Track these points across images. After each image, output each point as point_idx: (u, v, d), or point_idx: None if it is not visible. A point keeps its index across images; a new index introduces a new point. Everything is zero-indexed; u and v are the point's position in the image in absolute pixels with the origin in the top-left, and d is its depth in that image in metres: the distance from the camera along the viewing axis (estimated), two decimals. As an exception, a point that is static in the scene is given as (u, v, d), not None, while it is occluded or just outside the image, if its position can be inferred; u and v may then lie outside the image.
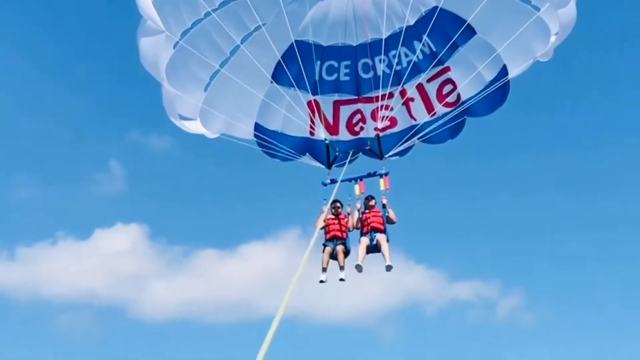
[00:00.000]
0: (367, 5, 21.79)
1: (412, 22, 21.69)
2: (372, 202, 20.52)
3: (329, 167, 21.08)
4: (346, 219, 20.52)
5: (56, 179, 64.61)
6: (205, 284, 55.79)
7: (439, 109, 21.82)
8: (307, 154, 22.11)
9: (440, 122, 21.61)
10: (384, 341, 54.43)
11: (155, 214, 60.88)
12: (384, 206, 20.52)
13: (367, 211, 20.41)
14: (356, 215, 20.48)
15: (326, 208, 20.13)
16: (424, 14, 21.57)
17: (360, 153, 21.73)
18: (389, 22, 21.85)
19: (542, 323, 53.96)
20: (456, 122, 21.70)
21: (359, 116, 22.64)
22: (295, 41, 21.69)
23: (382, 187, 20.70)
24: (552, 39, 20.07)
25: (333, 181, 20.56)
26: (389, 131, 22.03)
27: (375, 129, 21.17)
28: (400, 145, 21.15)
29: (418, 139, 21.64)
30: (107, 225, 60.75)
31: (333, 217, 20.40)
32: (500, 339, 54.21)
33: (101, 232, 59.76)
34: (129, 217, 60.30)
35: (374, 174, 20.77)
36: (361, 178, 20.92)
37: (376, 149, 21.16)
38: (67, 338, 54.61)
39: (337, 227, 20.29)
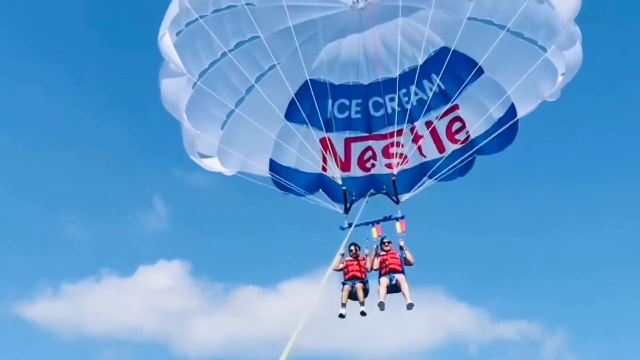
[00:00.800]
0: (377, 46, 22.46)
1: (421, 62, 22.33)
2: (389, 244, 21.03)
3: (346, 212, 21.62)
4: (364, 261, 20.98)
5: (101, 216, 65.76)
6: (246, 321, 56.53)
7: (449, 146, 22.40)
8: (320, 189, 22.66)
9: (450, 159, 22.14)
10: None
11: (197, 251, 62.16)
12: (401, 248, 21.03)
13: (384, 253, 20.93)
14: (373, 257, 20.99)
15: (342, 249, 20.57)
16: (432, 53, 22.27)
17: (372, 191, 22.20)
18: (399, 62, 22.48)
19: (586, 364, 53.32)
20: (466, 161, 22.23)
21: (370, 153, 23.27)
22: (309, 80, 22.43)
23: (399, 230, 21.27)
24: (559, 79, 20.69)
25: (350, 225, 21.12)
26: (400, 168, 22.61)
27: (392, 175, 21.79)
28: (414, 191, 21.64)
29: (429, 177, 22.13)
30: (150, 262, 62.00)
31: (352, 259, 20.92)
32: None
33: (144, 269, 61.07)
34: (172, 254, 61.86)
35: (390, 218, 21.34)
36: (378, 222, 21.44)
37: (392, 193, 21.68)
38: None
39: (356, 267, 20.80)
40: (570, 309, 58.04)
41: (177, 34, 21.17)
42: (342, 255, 20.78)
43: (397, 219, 21.31)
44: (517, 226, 63.61)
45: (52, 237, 63.67)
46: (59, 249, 62.99)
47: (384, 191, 21.67)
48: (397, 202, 21.52)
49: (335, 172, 22.38)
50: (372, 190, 21.90)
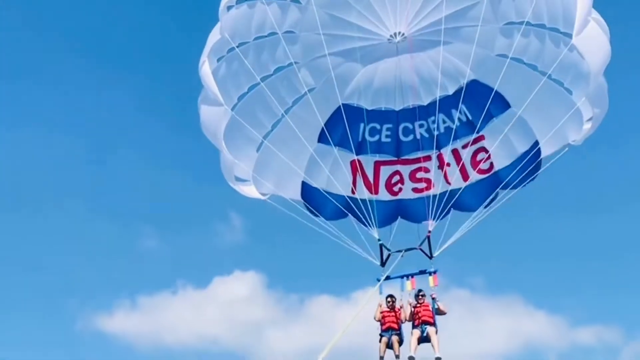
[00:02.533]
0: (410, 74, 23.36)
1: (451, 92, 23.37)
2: (423, 297, 22.10)
3: (382, 264, 22.59)
4: (400, 312, 22.12)
5: (177, 228, 67.01)
6: (321, 330, 56.67)
7: (473, 175, 23.42)
8: (350, 214, 23.75)
9: (475, 190, 23.17)
10: None
11: (272, 262, 62.41)
12: (433, 299, 22.04)
13: (418, 305, 22.02)
14: (408, 309, 22.08)
15: (382, 301, 22.08)
16: (462, 85, 23.16)
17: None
18: (429, 91, 23.52)
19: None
20: (488, 193, 23.25)
21: (397, 177, 24.29)
22: (342, 104, 23.48)
23: (431, 284, 22.24)
24: (586, 126, 21.77)
25: (387, 277, 22.39)
26: (425, 193, 23.72)
27: (428, 232, 22.75)
28: (446, 245, 22.50)
29: (454, 208, 23.16)
30: (226, 273, 62.90)
31: (388, 310, 22.11)
32: None
33: (219, 280, 61.93)
34: (247, 265, 61.99)
35: (424, 272, 22.35)
36: (412, 275, 22.46)
37: (426, 249, 22.59)
38: None
39: (393, 319, 21.98)
40: None
41: (218, 60, 22.33)
42: (380, 305, 22.18)
43: (430, 273, 22.31)
44: (593, 224, 63.50)
45: (129, 250, 65.03)
46: (135, 262, 63.97)
47: (419, 247, 22.61)
48: (431, 257, 22.44)
49: (364, 194, 23.54)
50: (405, 249, 22.81)
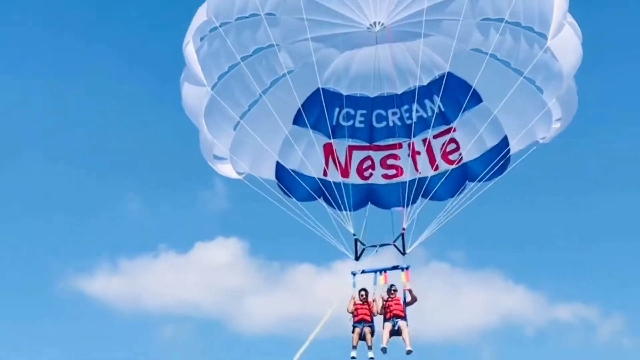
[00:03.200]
0: (387, 63, 23.86)
1: (425, 83, 23.90)
2: (395, 292, 22.79)
3: (356, 259, 23.22)
4: (372, 305, 22.78)
5: (161, 193, 66.51)
6: (301, 299, 57.54)
7: (442, 165, 24.09)
8: (321, 198, 24.30)
9: (442, 179, 23.85)
10: None
11: (255, 229, 62.16)
12: (409, 291, 22.76)
13: (389, 299, 22.70)
14: (380, 303, 22.75)
15: (355, 294, 22.77)
16: (437, 76, 23.71)
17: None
18: (404, 80, 24.02)
19: (641, 348, 54.43)
20: (457, 184, 23.96)
21: (369, 162, 24.83)
22: (319, 88, 23.90)
23: (403, 279, 22.97)
24: (556, 126, 22.60)
25: (362, 272, 23.09)
26: (395, 180, 24.38)
27: (402, 229, 23.38)
28: (418, 242, 23.24)
29: (422, 196, 23.84)
30: (208, 239, 62.72)
31: (361, 303, 22.73)
32: None
33: (201, 245, 61.95)
34: (230, 232, 62.14)
35: (397, 268, 23.04)
36: (385, 270, 23.15)
37: (400, 245, 23.26)
38: (168, 349, 57.31)
39: (365, 311, 22.60)
40: (628, 292, 58.94)
41: (201, 39, 22.64)
42: (353, 298, 22.84)
43: (402, 269, 23.00)
44: (576, 206, 64.37)
45: (111, 213, 64.88)
46: (118, 225, 64.00)
47: (393, 243, 23.25)
48: (404, 253, 23.12)
49: (336, 177, 24.11)
50: (380, 244, 23.42)
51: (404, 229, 23.34)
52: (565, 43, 21.28)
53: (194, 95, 22.74)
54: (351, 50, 23.68)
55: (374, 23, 22.63)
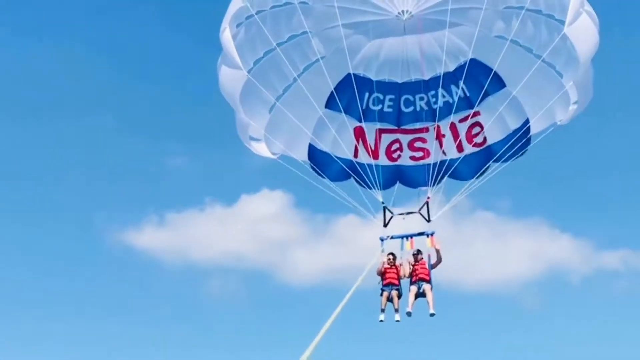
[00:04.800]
0: (415, 50, 25.05)
1: (451, 69, 25.10)
2: (420, 256, 24.09)
3: (385, 225, 24.48)
4: (400, 269, 24.06)
5: (206, 147, 67.77)
6: (346, 250, 56.72)
7: (467, 147, 25.22)
8: (353, 177, 25.55)
9: (468, 161, 24.99)
10: (528, 310, 56.24)
11: (301, 182, 63.17)
12: (437, 251, 23.93)
13: (415, 263, 23.99)
14: (407, 267, 24.05)
15: (384, 258, 24.03)
16: (462, 63, 24.89)
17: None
18: (431, 67, 25.24)
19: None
20: (481, 165, 25.09)
21: (397, 145, 26.04)
22: (349, 73, 25.17)
23: (429, 245, 24.13)
24: (572, 108, 23.60)
25: (390, 237, 24.34)
26: (422, 161, 25.58)
27: (427, 197, 24.67)
28: (442, 210, 24.52)
29: (449, 176, 25.03)
30: (253, 191, 63.35)
31: (389, 266, 24.00)
32: None
33: (247, 198, 62.71)
34: (275, 185, 61.33)
35: (423, 234, 24.23)
36: (412, 236, 24.34)
37: (425, 214, 24.49)
38: (216, 301, 58.29)
39: (393, 275, 23.90)
40: None
41: (237, 26, 24.01)
42: (383, 262, 24.06)
43: (427, 235, 24.17)
44: (620, 155, 63.51)
45: (158, 168, 66.24)
46: (163, 179, 65.32)
47: (418, 211, 24.51)
48: (429, 220, 24.32)
49: (365, 158, 25.35)
50: (407, 213, 24.64)
51: (428, 198, 24.59)
52: (583, 30, 22.29)
53: (231, 78, 24.07)
54: (380, 37, 24.92)
55: (402, 11, 23.75)
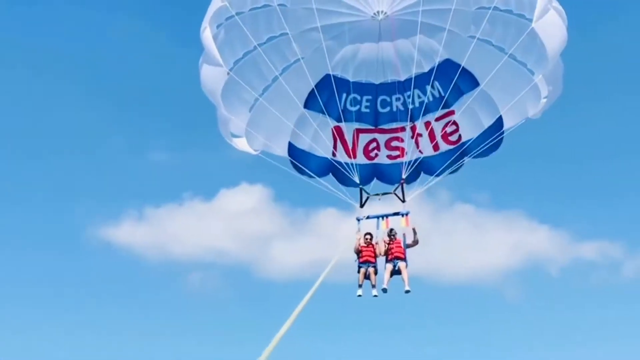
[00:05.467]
0: (390, 51, 25.71)
1: (426, 70, 25.72)
2: (394, 235, 24.84)
3: (361, 206, 25.33)
4: (376, 247, 24.78)
5: (187, 142, 68.14)
6: (326, 243, 56.90)
7: (442, 146, 25.89)
8: (330, 174, 26.16)
9: (443, 158, 25.68)
10: (508, 300, 57.34)
11: (280, 176, 62.40)
12: (414, 232, 24.72)
13: (390, 242, 24.74)
14: (382, 245, 24.79)
15: (359, 235, 24.79)
16: (437, 63, 25.49)
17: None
18: (406, 68, 25.80)
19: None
20: (457, 161, 25.77)
21: (374, 144, 26.68)
22: (327, 74, 25.71)
23: (403, 224, 24.89)
24: (542, 101, 24.31)
25: (367, 217, 25.13)
26: (398, 160, 26.18)
27: (401, 179, 25.45)
28: (417, 192, 25.48)
29: (424, 173, 25.80)
30: (233, 185, 63.64)
31: (365, 245, 24.72)
32: (624, 299, 55.58)
33: (226, 192, 62.90)
34: (255, 178, 61.68)
35: (398, 214, 25.01)
36: (387, 216, 25.09)
37: (400, 195, 25.37)
38: (196, 296, 58.16)
39: (370, 253, 24.63)
40: None
41: (217, 26, 24.60)
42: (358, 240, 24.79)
43: (402, 215, 24.92)
44: (597, 147, 64.94)
45: (139, 162, 66.48)
46: (144, 174, 65.39)
47: (393, 192, 25.34)
48: (404, 201, 25.14)
49: (343, 157, 25.93)
50: (382, 193, 25.48)
51: (402, 180, 25.34)
52: (551, 25, 23.11)
53: (212, 76, 24.66)
54: (357, 38, 25.51)
55: (378, 12, 24.43)
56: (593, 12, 67.42)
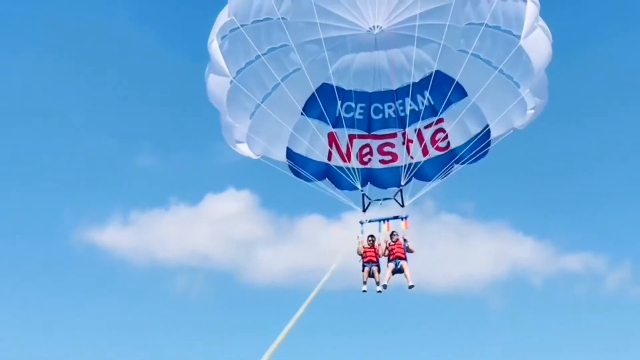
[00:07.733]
0: (384, 63, 27.29)
1: (417, 80, 27.29)
2: (396, 237, 26.51)
3: (364, 210, 27.03)
4: (378, 248, 26.53)
5: (173, 146, 68.62)
6: (311, 250, 58.01)
7: (432, 152, 27.51)
8: (327, 178, 27.70)
9: (433, 164, 27.29)
10: (492, 310, 58.03)
11: (266, 182, 62.08)
12: (405, 240, 26.44)
13: (392, 243, 26.45)
14: (384, 246, 26.53)
15: (361, 238, 26.51)
16: (427, 74, 27.10)
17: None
18: (399, 78, 27.45)
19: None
20: (444, 167, 27.39)
21: (367, 149, 28.24)
22: (324, 83, 27.30)
23: (403, 228, 26.69)
24: (529, 113, 26.07)
25: (369, 221, 26.82)
26: (390, 164, 27.80)
27: (400, 185, 27.07)
28: (415, 197, 27.04)
29: (415, 177, 27.36)
30: (219, 190, 63.92)
31: (369, 246, 26.51)
32: (607, 311, 56.31)
33: (212, 197, 63.34)
34: (241, 184, 62.20)
35: (397, 217, 26.80)
36: (388, 219, 26.84)
37: (400, 200, 27.05)
38: (179, 299, 58.71)
39: (372, 254, 26.41)
40: (636, 241, 59.91)
41: (222, 37, 26.01)
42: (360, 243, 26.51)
43: (402, 218, 26.76)
44: (583, 158, 65.89)
45: (125, 167, 66.71)
46: (130, 178, 65.86)
47: (393, 197, 27.05)
48: (403, 205, 26.90)
49: (338, 162, 27.49)
50: (383, 199, 27.12)
51: (401, 186, 27.02)
52: (537, 42, 24.82)
53: (217, 85, 26.13)
54: (353, 50, 27.06)
55: (374, 27, 25.93)
56: (578, 29, 69.61)
